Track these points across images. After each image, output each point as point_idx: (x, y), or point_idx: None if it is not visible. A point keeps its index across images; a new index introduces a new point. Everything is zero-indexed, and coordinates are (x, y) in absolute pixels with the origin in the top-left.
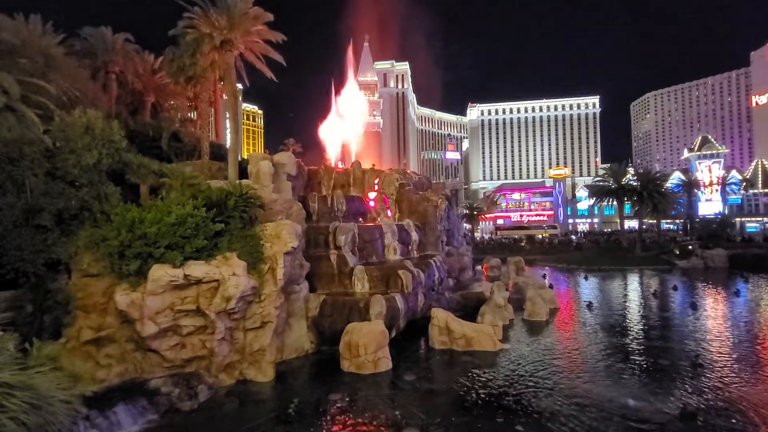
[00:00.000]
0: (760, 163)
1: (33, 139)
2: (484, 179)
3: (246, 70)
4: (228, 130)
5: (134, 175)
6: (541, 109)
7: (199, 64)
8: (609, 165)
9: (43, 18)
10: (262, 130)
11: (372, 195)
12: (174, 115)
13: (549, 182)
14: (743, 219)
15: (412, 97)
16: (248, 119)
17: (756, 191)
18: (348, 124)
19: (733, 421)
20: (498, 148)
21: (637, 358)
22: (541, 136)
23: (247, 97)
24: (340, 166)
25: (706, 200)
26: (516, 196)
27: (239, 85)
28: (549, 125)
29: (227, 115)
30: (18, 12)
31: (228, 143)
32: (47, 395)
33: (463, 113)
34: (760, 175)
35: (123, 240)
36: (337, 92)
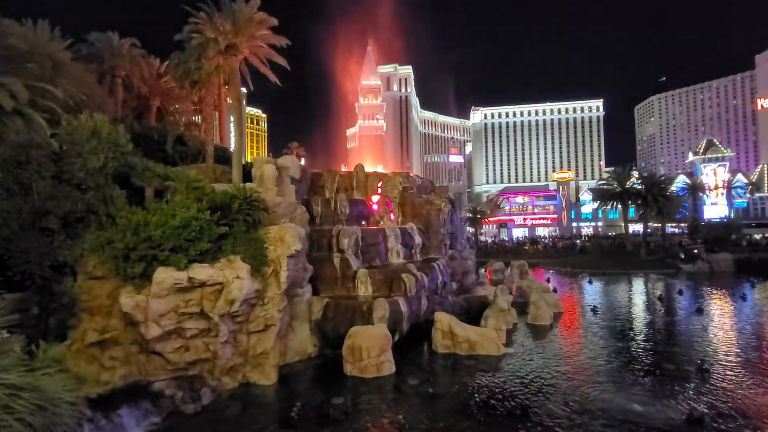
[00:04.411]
0: (766, 166)
1: (40, 143)
2: (488, 182)
3: (250, 74)
4: (232, 134)
5: (139, 179)
6: (544, 113)
7: (204, 68)
8: (613, 168)
9: (51, 23)
10: (266, 134)
11: (375, 198)
12: (179, 118)
13: (553, 185)
14: (749, 223)
15: (415, 100)
16: (252, 123)
17: (762, 195)
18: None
19: (740, 426)
20: (501, 151)
21: (642, 362)
22: (545, 139)
23: (252, 100)
24: (343, 169)
25: (712, 204)
26: (519, 199)
27: (243, 89)
28: (553, 128)
29: (231, 119)
30: (26, 17)
31: (232, 147)
32: (53, 397)
33: (466, 116)
34: (766, 179)
35: (128, 243)
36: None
